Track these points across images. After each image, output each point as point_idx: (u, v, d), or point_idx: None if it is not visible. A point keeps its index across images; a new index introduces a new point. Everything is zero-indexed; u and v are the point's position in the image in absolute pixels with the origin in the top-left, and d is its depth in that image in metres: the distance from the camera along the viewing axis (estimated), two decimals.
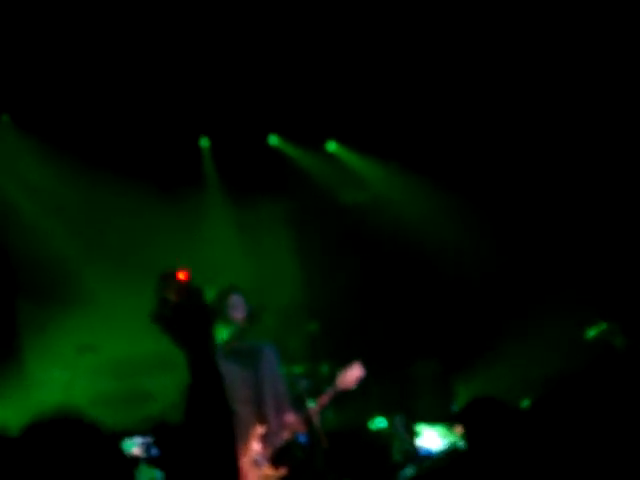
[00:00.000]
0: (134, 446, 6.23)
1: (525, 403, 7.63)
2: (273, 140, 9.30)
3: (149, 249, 8.21)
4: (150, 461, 6.00)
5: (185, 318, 2.28)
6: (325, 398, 5.57)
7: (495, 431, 3.77)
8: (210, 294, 6.35)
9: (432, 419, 7.34)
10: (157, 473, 5.87)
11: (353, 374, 5.61)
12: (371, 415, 8.11)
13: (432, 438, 7.12)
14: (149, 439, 6.29)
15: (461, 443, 6.15)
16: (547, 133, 8.69)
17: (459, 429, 6.54)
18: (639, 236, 8.52)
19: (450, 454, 6.17)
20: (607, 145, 8.48)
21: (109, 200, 8.44)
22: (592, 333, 7.10)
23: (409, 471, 6.89)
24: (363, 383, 5.74)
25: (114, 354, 8.07)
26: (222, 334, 5.61)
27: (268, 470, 5.41)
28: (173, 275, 2.33)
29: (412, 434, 7.13)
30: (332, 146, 9.43)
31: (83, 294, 8.24)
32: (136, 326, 7.57)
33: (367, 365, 5.67)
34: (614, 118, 8.38)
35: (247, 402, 5.50)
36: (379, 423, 8.11)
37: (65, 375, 7.74)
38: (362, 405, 7.44)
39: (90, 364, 7.91)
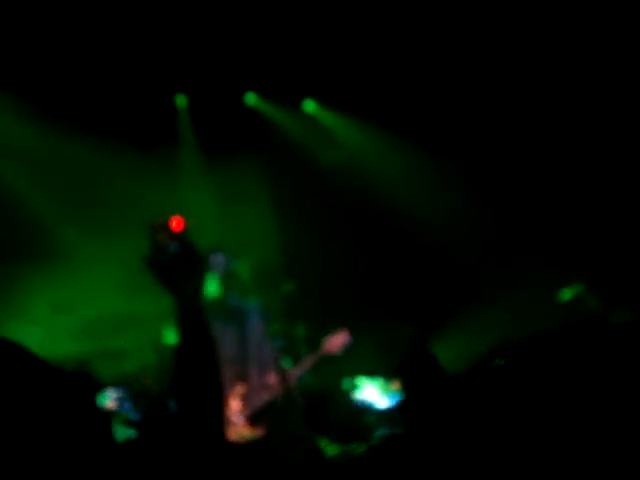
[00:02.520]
0: (107, 399, 6.20)
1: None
2: (250, 98, 9.21)
3: (124, 208, 8.14)
4: (127, 422, 5.99)
5: (178, 265, 2.25)
6: (308, 362, 5.58)
7: (431, 385, 3.78)
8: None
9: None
10: (132, 432, 5.86)
11: (339, 340, 5.64)
12: (347, 376, 8.13)
13: (372, 392, 7.12)
14: (122, 392, 6.25)
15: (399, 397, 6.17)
16: (524, 94, 8.65)
17: (397, 384, 6.54)
18: (618, 200, 8.54)
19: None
20: (585, 108, 8.47)
21: (83, 158, 8.34)
22: (567, 295, 7.14)
23: (384, 431, 6.93)
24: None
25: (88, 313, 8.03)
26: (209, 290, 5.62)
27: (244, 429, 5.42)
28: (166, 223, 2.29)
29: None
30: (310, 105, 9.35)
31: (57, 252, 8.17)
32: (110, 285, 7.54)
33: (342, 324, 5.67)
34: (592, 84, 8.36)
35: (231, 360, 5.50)
36: (355, 383, 8.14)
37: (38, 333, 7.69)
38: (338, 366, 7.44)
39: (64, 323, 7.86)
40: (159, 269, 2.26)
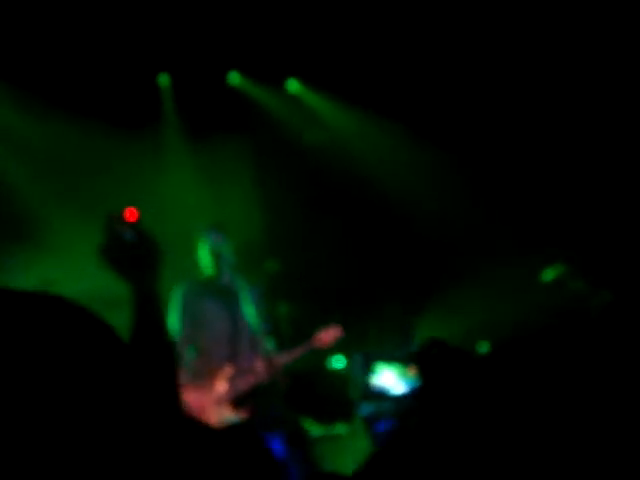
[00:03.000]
0: None
1: (483, 347, 7.71)
2: (234, 78, 9.16)
3: (106, 187, 8.11)
4: None
5: (132, 257, 2.25)
6: (297, 352, 5.58)
7: (448, 371, 3.80)
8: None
9: (391, 359, 7.40)
10: None
11: (331, 335, 5.63)
12: (329, 354, 8.16)
13: (389, 377, 7.19)
14: None
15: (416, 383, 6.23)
16: (509, 74, 8.65)
17: (413, 369, 6.60)
18: (604, 180, 8.57)
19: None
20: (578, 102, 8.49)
21: (66, 138, 8.29)
22: (550, 275, 7.15)
23: (366, 409, 6.96)
24: (323, 321, 5.76)
25: (71, 291, 8.00)
26: (205, 266, 5.62)
27: (227, 411, 5.43)
28: (121, 214, 2.28)
29: (369, 373, 7.20)
30: (293, 85, 9.32)
31: (40, 232, 8.14)
32: (93, 263, 7.52)
33: (326, 304, 5.69)
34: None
35: (222, 340, 5.51)
36: (337, 362, 8.17)
37: None
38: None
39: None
40: (115, 259, 2.25)
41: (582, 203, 8.64)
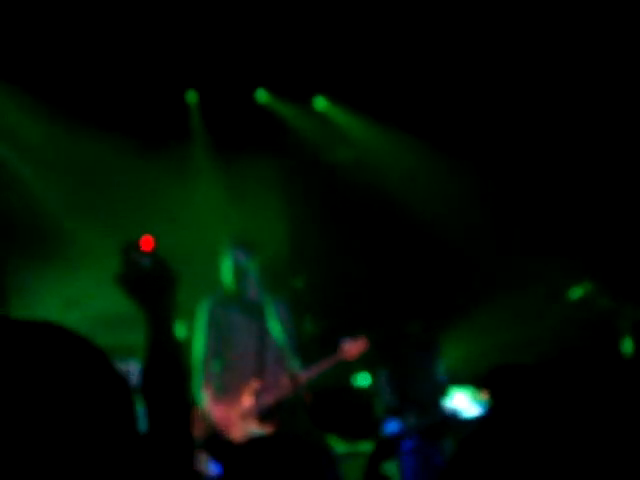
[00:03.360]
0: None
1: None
2: (261, 95, 9.20)
3: (135, 205, 8.15)
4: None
5: (148, 284, 2.26)
6: (322, 366, 5.57)
7: (522, 396, 3.80)
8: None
9: (420, 377, 7.35)
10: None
11: (356, 347, 5.61)
12: (355, 371, 8.14)
13: (462, 400, 7.18)
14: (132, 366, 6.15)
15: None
16: (532, 92, 8.64)
17: (486, 394, 6.51)
18: (626, 197, 8.52)
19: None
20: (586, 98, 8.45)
21: (95, 155, 8.33)
22: (577, 293, 7.11)
23: (391, 426, 6.93)
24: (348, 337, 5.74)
25: (99, 309, 8.04)
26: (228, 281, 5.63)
27: (254, 425, 5.43)
28: (136, 244, 2.30)
29: (395, 390, 7.15)
30: (321, 102, 9.34)
31: (68, 250, 8.18)
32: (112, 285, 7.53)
33: (351, 322, 5.68)
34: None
35: (249, 354, 5.51)
36: (362, 380, 8.15)
37: None
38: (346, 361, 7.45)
39: (75, 319, 7.87)
40: (131, 286, 2.27)
41: (610, 220, 8.59)
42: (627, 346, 6.55)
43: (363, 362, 7.93)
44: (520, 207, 8.96)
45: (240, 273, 5.72)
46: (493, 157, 8.90)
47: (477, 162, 8.84)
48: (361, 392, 8.01)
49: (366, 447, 7.09)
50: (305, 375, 5.50)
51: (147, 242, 2.21)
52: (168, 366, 2.14)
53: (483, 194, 8.90)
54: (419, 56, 8.52)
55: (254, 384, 5.46)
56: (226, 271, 5.80)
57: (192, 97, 9.06)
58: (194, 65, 8.51)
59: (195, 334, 5.70)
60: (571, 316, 7.46)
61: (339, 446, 7.00)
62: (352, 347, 5.59)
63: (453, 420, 7.03)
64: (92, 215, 8.27)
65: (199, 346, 5.62)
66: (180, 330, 6.42)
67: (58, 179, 8.44)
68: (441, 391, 7.16)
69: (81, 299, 7.81)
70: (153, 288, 2.18)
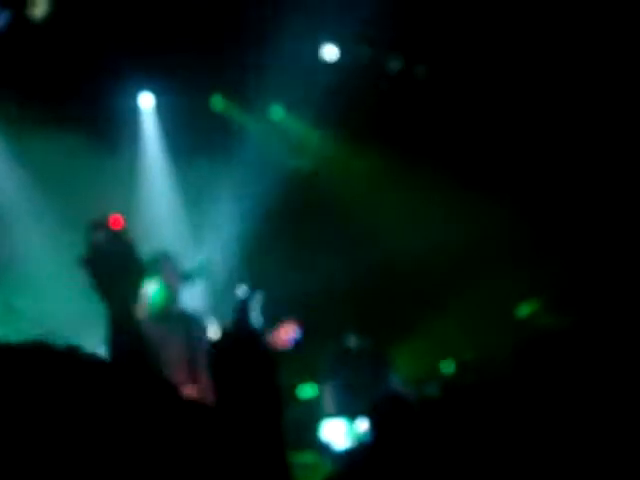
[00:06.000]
0: None
1: (448, 366, 7.61)
2: (216, 101, 9.14)
3: (83, 207, 8.04)
4: None
5: (112, 266, 2.19)
6: None
7: (401, 428, 3.76)
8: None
9: (367, 390, 7.29)
10: None
11: (286, 334, 5.36)
12: (300, 380, 8.07)
13: (335, 431, 6.97)
14: None
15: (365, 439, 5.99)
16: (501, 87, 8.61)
17: (364, 425, 6.32)
18: (585, 211, 8.52)
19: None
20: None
21: (44, 157, 8.19)
22: (524, 311, 7.14)
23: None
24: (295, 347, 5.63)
25: (40, 312, 7.93)
26: (157, 298, 5.52)
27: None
28: (105, 221, 2.23)
29: (338, 402, 7.07)
30: (277, 111, 9.30)
31: (11, 251, 8.07)
32: (62, 285, 7.44)
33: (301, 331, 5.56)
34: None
35: (179, 363, 5.44)
36: (307, 391, 8.09)
37: None
38: (291, 369, 7.40)
39: (17, 322, 7.76)
40: (92, 269, 2.19)
41: (561, 239, 8.62)
42: None
43: (309, 373, 7.90)
44: (475, 218, 8.93)
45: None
46: (449, 168, 8.88)
47: (434, 170, 8.79)
48: (305, 404, 7.93)
49: (308, 458, 7.05)
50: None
51: (116, 221, 2.16)
52: (131, 355, 2.09)
53: (438, 206, 8.89)
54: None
55: (189, 390, 5.36)
56: (155, 285, 5.63)
57: (147, 100, 8.98)
58: (150, 68, 8.42)
59: None
60: (518, 333, 7.47)
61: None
62: (281, 334, 5.34)
63: (325, 451, 6.87)
64: (36, 216, 8.17)
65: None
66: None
67: (6, 179, 8.32)
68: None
69: (20, 302, 7.69)
70: (115, 269, 2.11)
